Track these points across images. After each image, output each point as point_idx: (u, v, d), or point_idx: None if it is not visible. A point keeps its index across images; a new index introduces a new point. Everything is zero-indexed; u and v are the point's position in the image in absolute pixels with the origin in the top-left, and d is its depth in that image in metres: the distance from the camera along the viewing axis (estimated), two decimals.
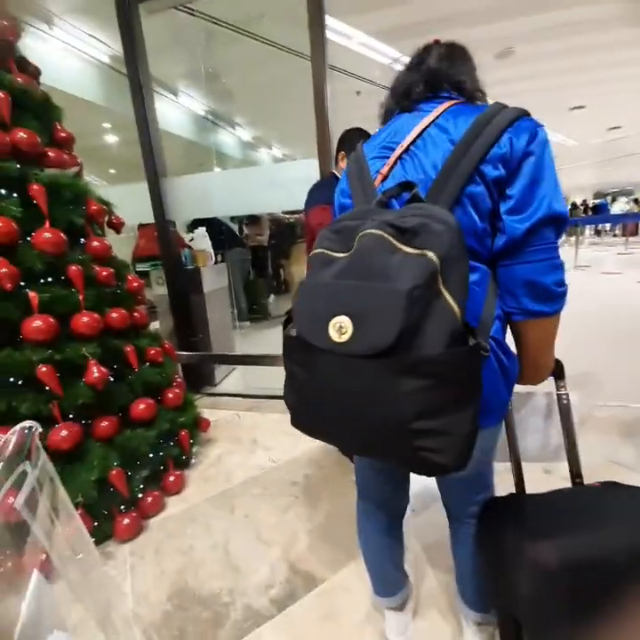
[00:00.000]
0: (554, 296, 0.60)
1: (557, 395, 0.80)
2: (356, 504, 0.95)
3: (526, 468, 0.87)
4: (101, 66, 4.18)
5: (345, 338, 0.50)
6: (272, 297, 5.35)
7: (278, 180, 2.22)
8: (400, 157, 0.66)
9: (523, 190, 0.58)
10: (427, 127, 0.64)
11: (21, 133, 1.33)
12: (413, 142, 0.65)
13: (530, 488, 0.85)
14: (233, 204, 2.45)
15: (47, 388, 1.25)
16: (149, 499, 1.47)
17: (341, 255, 0.57)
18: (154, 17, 2.37)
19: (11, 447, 0.58)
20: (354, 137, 1.47)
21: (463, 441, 0.52)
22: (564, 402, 0.79)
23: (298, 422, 0.63)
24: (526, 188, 0.58)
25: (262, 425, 2.17)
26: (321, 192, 1.45)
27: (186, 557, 1.31)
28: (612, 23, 3.73)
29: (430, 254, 0.48)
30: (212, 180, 2.47)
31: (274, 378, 2.31)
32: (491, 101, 0.66)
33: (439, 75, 0.69)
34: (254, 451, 1.94)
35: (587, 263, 6.91)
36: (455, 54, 0.72)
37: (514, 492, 0.85)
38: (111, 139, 5.78)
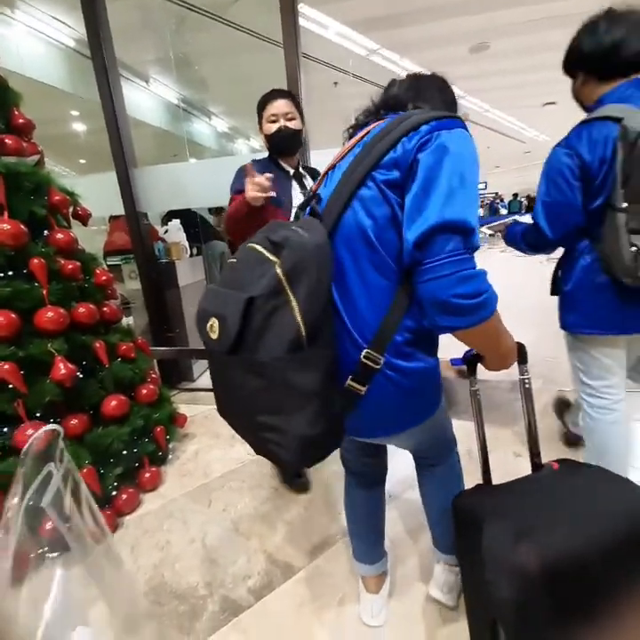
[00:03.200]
0: (465, 310, 0.54)
1: (520, 379, 0.82)
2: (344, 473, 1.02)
3: (497, 451, 0.89)
4: (66, 50, 3.98)
5: (214, 336, 0.57)
6: None
7: None
8: (326, 174, 0.73)
9: (413, 198, 0.56)
10: (354, 145, 0.67)
11: None
12: (342, 158, 0.69)
13: (501, 471, 0.88)
14: (208, 195, 2.39)
15: (10, 385, 1.20)
16: (124, 496, 1.44)
17: (233, 260, 0.64)
18: None
19: (35, 449, 0.63)
20: (259, 106, 1.35)
21: (299, 441, 0.56)
22: (526, 386, 0.82)
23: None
24: (417, 196, 0.55)
25: None
26: (238, 179, 1.30)
27: (162, 553, 1.30)
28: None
29: (277, 268, 0.53)
30: (185, 170, 2.40)
31: None
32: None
33: (393, 100, 0.70)
34: (233, 445, 1.92)
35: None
36: (425, 86, 0.72)
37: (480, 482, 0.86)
38: (79, 127, 5.53)
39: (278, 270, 0.53)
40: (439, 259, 0.53)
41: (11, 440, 1.20)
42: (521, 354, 0.79)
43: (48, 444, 0.65)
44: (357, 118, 0.74)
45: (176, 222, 2.72)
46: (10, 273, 1.29)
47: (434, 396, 0.74)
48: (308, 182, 1.46)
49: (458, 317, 0.55)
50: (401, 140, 0.58)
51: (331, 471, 1.62)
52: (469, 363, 0.81)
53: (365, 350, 0.61)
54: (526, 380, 0.82)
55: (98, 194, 2.17)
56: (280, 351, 0.52)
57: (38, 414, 1.28)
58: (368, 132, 0.66)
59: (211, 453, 1.87)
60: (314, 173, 1.51)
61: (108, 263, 2.62)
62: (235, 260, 0.63)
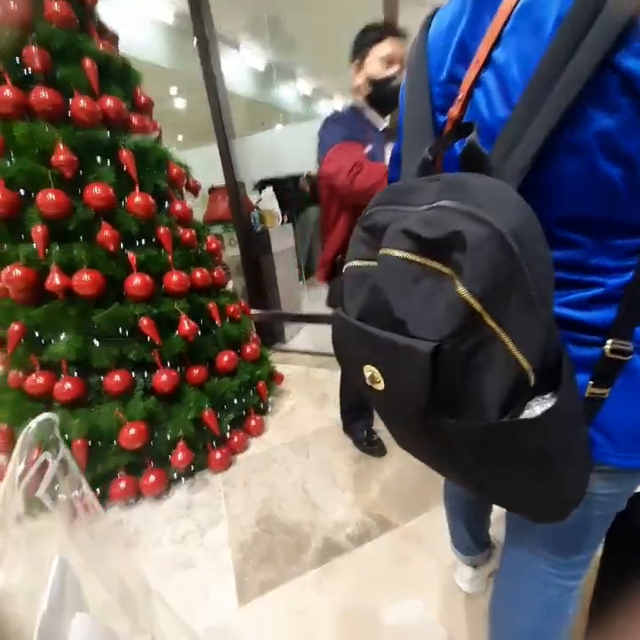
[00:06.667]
0: None
1: None
2: None
3: None
4: (166, 27, 4.21)
5: (380, 388, 0.39)
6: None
7: None
8: (478, 78, 0.40)
9: None
10: None
11: (109, 101, 1.41)
12: (500, 34, 0.37)
13: None
14: (298, 160, 2.40)
15: (149, 338, 1.41)
16: (236, 438, 1.64)
17: (374, 264, 0.39)
18: None
19: (31, 439, 0.61)
20: (371, 37, 1.10)
21: (562, 508, 0.41)
22: None
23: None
24: None
25: (331, 380, 2.25)
26: (330, 129, 1.15)
27: (270, 491, 1.46)
28: None
29: (462, 290, 0.31)
30: (276, 137, 2.43)
31: None
32: None
33: None
34: (324, 405, 2.03)
35: None
36: None
37: None
38: (179, 103, 5.92)
39: (462, 292, 0.31)
40: None
41: (151, 382, 1.43)
42: None
43: (43, 433, 0.64)
44: None
45: (269, 190, 2.80)
46: (143, 241, 1.48)
47: None
48: None
49: None
50: None
51: None
52: None
53: (611, 342, 0.41)
54: None
55: (198, 166, 2.33)
56: (493, 410, 0.34)
57: (169, 363, 1.50)
58: None
59: (305, 410, 2.00)
60: None
61: (212, 232, 2.84)
62: (367, 273, 0.40)
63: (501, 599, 0.68)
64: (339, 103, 8.16)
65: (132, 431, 1.34)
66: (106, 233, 1.34)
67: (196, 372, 1.53)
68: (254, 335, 2.01)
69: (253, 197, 2.96)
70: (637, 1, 0.30)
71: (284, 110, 6.44)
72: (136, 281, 1.38)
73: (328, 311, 2.68)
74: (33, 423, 0.63)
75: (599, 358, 0.41)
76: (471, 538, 0.97)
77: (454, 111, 0.43)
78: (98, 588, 0.67)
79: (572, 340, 0.43)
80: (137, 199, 1.43)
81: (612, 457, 0.44)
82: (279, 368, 2.19)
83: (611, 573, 0.66)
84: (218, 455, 1.54)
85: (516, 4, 0.36)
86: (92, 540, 0.70)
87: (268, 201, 2.78)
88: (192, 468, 1.54)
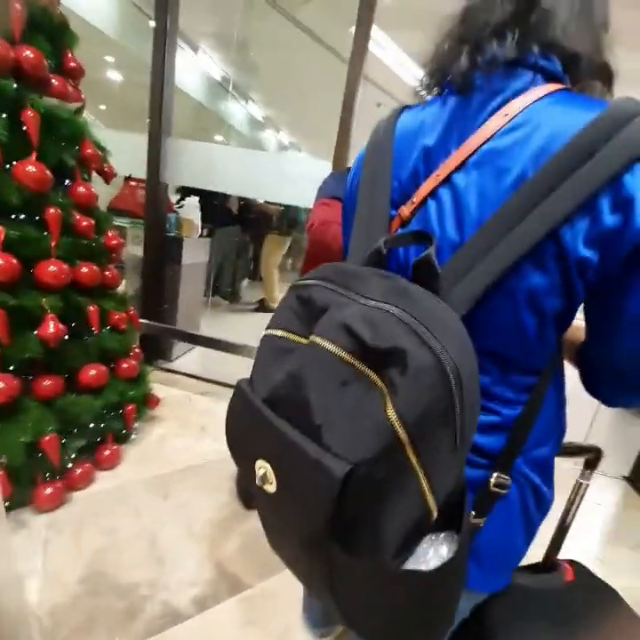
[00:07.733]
0: None
1: (578, 482, 0.78)
2: None
3: None
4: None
5: (269, 489, 0.33)
6: (246, 281, 5.25)
7: (287, 171, 2.19)
8: (435, 191, 0.42)
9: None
10: (495, 133, 0.39)
11: (28, 52, 1.20)
12: (464, 162, 0.40)
13: None
14: (235, 183, 2.35)
15: None
16: (79, 470, 1.37)
17: (303, 342, 0.35)
18: None
19: None
20: None
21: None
22: (584, 487, 0.77)
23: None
24: None
25: (214, 412, 2.11)
26: (327, 184, 1.25)
27: (108, 539, 1.24)
28: None
29: (392, 414, 0.28)
30: (218, 152, 2.36)
31: (236, 366, 2.25)
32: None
33: (546, 31, 0.40)
34: (201, 438, 1.88)
35: None
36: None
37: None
38: (113, 75, 5.37)
39: (392, 416, 0.28)
40: None
41: None
42: (595, 457, 0.74)
43: None
44: (446, 63, 0.44)
45: (194, 199, 2.66)
46: (22, 216, 1.22)
47: (526, 547, 0.49)
48: None
49: None
50: (622, 174, 0.33)
51: None
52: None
53: (495, 475, 0.43)
54: (585, 485, 0.77)
55: (122, 151, 2.09)
56: (390, 549, 0.31)
57: (12, 368, 1.21)
58: (524, 109, 0.38)
59: (176, 442, 1.81)
60: None
61: (115, 223, 2.53)
62: (290, 351, 0.36)
63: None
64: (285, 137, 8.47)
65: None
66: None
67: (47, 383, 1.26)
68: (136, 349, 1.78)
69: (172, 199, 2.77)
70: (590, 187, 0.34)
71: (230, 126, 6.38)
72: None
73: (228, 338, 2.58)
74: None
75: (482, 490, 0.43)
76: (323, 614, 0.96)
77: (405, 211, 0.44)
78: None
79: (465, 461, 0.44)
80: (30, 168, 1.20)
81: (481, 583, 0.47)
82: (157, 390, 1.97)
83: None
84: (48, 490, 1.25)
85: (482, 145, 0.39)
86: None
87: (190, 209, 2.63)
88: (7, 505, 1.22)
